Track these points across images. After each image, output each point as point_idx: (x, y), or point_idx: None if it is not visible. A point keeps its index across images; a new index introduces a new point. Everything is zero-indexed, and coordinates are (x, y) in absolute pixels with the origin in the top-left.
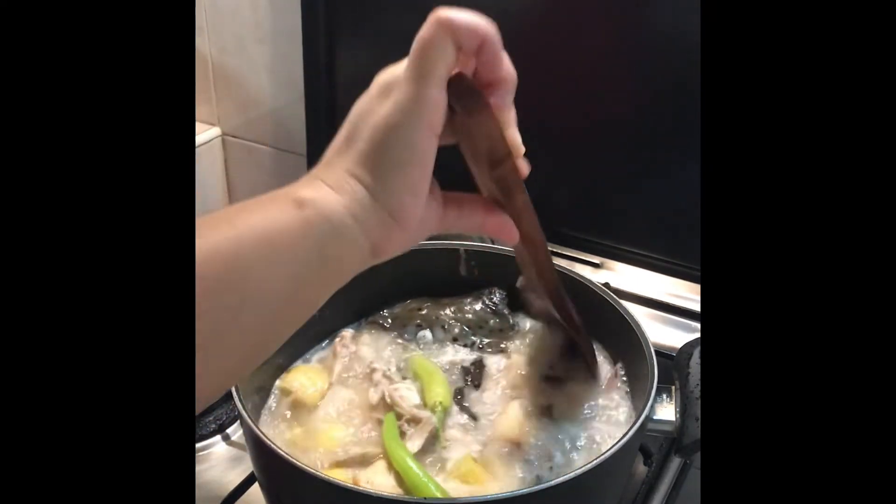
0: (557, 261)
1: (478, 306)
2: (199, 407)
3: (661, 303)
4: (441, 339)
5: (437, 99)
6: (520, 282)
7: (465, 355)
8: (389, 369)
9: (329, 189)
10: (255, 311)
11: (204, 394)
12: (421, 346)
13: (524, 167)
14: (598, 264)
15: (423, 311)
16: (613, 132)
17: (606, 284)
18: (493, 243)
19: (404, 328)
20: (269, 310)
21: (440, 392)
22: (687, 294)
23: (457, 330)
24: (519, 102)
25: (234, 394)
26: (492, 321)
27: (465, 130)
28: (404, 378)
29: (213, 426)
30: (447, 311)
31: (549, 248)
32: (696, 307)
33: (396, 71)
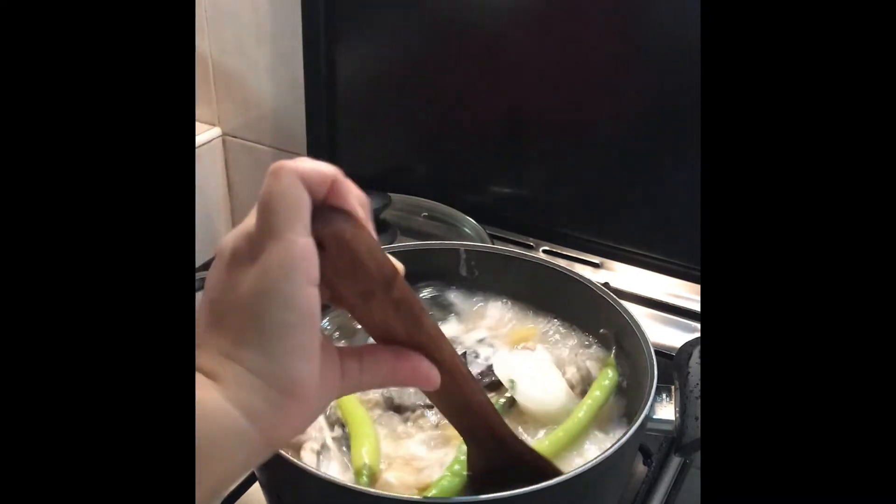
0: (557, 261)
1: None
2: None
3: (660, 303)
4: None
5: (309, 247)
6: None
7: None
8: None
9: (207, 381)
10: None
11: None
12: None
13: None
14: (598, 264)
15: (337, 335)
16: (613, 132)
17: (606, 284)
18: (493, 244)
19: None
20: None
21: (369, 450)
22: (687, 294)
23: None
24: (520, 103)
25: None
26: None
27: (341, 261)
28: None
29: None
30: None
31: (550, 248)
32: (696, 307)
33: (240, 235)
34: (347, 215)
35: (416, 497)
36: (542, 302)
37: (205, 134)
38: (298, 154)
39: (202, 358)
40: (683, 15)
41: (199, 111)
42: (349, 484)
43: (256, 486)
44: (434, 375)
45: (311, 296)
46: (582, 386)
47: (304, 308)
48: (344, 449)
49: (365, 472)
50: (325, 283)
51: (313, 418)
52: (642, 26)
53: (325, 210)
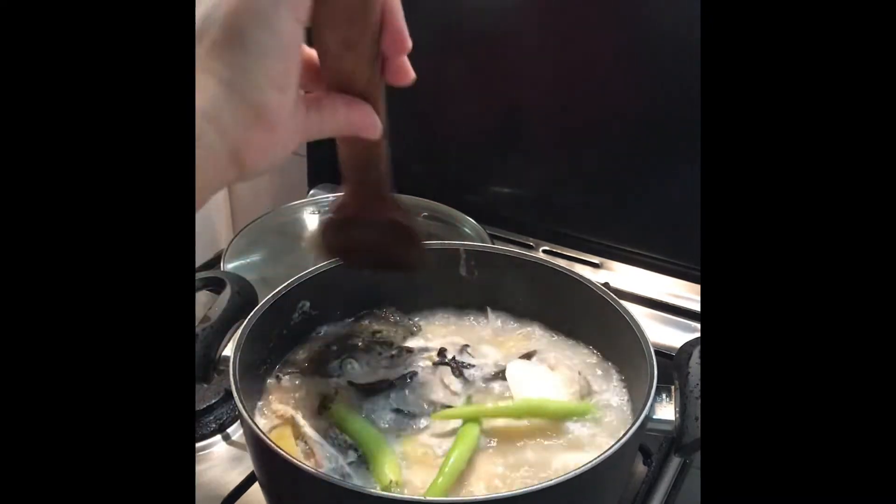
0: (557, 261)
1: (375, 325)
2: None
3: (660, 303)
4: (370, 364)
5: None
6: (342, 204)
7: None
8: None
9: None
10: None
11: None
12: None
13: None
14: (597, 264)
15: (334, 348)
16: (613, 132)
17: (606, 284)
18: (493, 244)
19: (328, 365)
20: None
21: (391, 467)
22: (687, 294)
23: (379, 349)
24: (520, 103)
25: (235, 394)
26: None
27: (342, 5)
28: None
29: (213, 426)
30: (355, 339)
31: (550, 248)
32: (696, 307)
33: None
34: None
35: (417, 497)
36: (543, 302)
37: None
38: (298, 154)
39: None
40: (683, 15)
41: None
42: (349, 484)
43: (256, 486)
44: (378, 125)
45: (294, 29)
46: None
47: (286, 36)
48: (362, 470)
49: (394, 488)
50: (318, 27)
51: (282, 152)
52: (642, 27)
53: None
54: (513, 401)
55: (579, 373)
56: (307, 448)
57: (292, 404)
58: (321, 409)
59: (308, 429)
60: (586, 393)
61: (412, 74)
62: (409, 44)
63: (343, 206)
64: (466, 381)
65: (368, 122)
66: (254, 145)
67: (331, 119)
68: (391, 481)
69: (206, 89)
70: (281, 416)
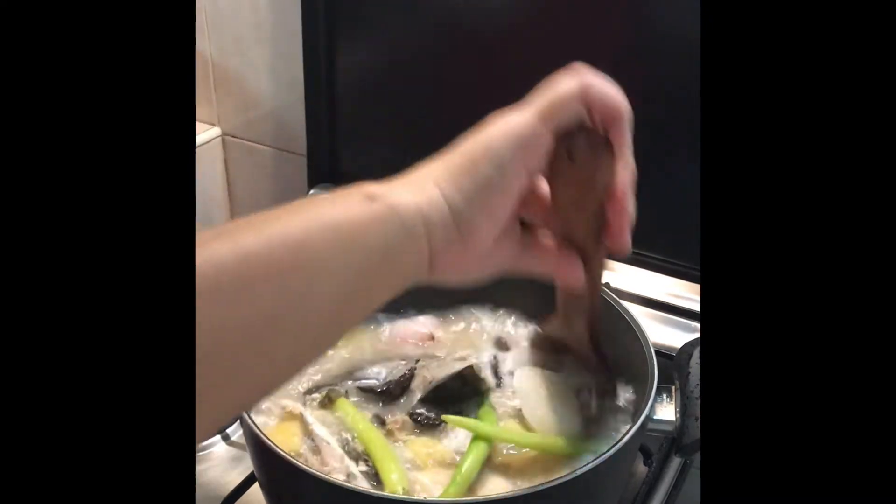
0: None
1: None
2: (256, 401)
3: (661, 303)
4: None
5: (546, 139)
6: (549, 326)
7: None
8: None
9: (405, 189)
10: (321, 297)
11: (265, 386)
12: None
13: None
14: None
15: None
16: None
17: (606, 284)
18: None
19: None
20: (332, 299)
21: (399, 476)
22: (687, 294)
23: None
24: (520, 102)
25: None
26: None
27: (581, 173)
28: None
29: None
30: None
31: None
32: (696, 307)
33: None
34: (609, 145)
35: (417, 498)
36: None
37: (205, 134)
38: (298, 154)
39: (412, 178)
40: (683, 15)
41: (199, 111)
42: (349, 484)
43: (256, 486)
44: (580, 281)
45: (521, 175)
46: (596, 411)
47: (512, 179)
48: (373, 483)
49: (403, 494)
50: (552, 183)
51: (474, 273)
52: (642, 26)
53: (593, 135)
54: (522, 418)
55: (589, 390)
56: (313, 445)
57: (300, 400)
58: (325, 403)
59: (317, 426)
60: (588, 406)
61: (628, 246)
62: (631, 218)
63: (549, 326)
64: (481, 385)
65: (571, 276)
66: (450, 258)
67: (538, 263)
68: (400, 490)
69: (431, 199)
70: (289, 411)
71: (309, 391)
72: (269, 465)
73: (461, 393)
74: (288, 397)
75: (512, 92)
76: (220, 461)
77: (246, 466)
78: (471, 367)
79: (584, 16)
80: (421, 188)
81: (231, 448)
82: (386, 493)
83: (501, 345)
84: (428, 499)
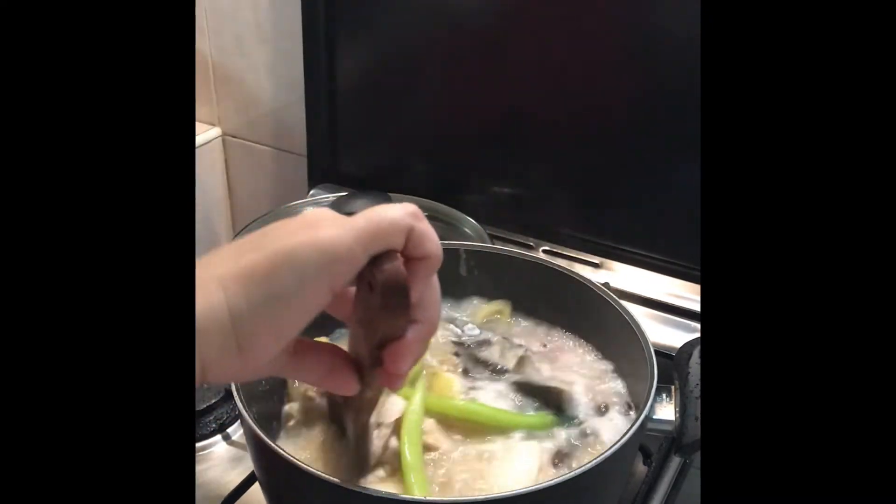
0: (557, 261)
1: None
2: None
3: (660, 303)
4: None
5: (358, 264)
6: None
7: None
8: None
9: (208, 282)
10: None
11: None
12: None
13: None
14: (597, 264)
15: None
16: (613, 132)
17: (606, 284)
18: (493, 244)
19: None
20: None
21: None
22: (687, 294)
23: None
24: (520, 103)
25: (235, 393)
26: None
27: (383, 300)
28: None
29: (213, 426)
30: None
31: (550, 248)
32: (696, 307)
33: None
34: (406, 299)
35: (417, 497)
36: (542, 302)
37: (205, 134)
38: (298, 154)
39: (202, 271)
40: (683, 14)
41: (199, 111)
42: (349, 484)
43: (256, 486)
44: (354, 389)
45: (324, 293)
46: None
47: (310, 293)
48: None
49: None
50: (357, 303)
51: (245, 380)
52: (642, 26)
53: (399, 282)
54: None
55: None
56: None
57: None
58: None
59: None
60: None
61: (397, 387)
62: (408, 368)
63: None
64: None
65: (341, 390)
66: (223, 368)
67: (307, 373)
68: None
69: (212, 303)
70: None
71: None
72: (269, 465)
73: (537, 399)
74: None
75: (511, 92)
76: (220, 461)
77: (246, 466)
78: (561, 391)
79: (585, 16)
80: (201, 289)
81: (231, 448)
82: (386, 493)
83: (600, 409)
84: (428, 498)
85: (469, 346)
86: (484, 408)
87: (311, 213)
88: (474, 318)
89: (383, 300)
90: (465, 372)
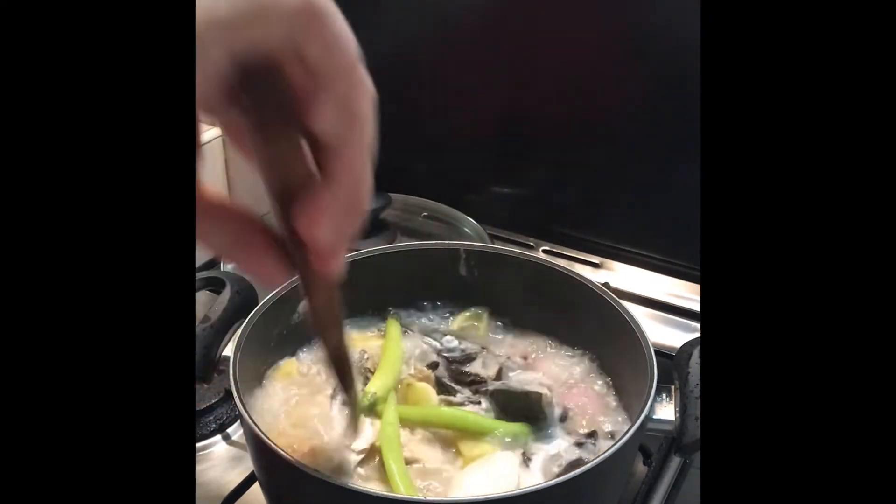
0: (557, 261)
1: None
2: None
3: (660, 303)
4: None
5: (218, 65)
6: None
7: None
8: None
9: None
10: None
11: None
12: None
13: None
14: (597, 264)
15: None
16: (614, 132)
17: (606, 284)
18: (493, 244)
19: None
20: None
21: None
22: (687, 294)
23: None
24: (520, 103)
25: (235, 393)
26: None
27: (257, 149)
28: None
29: (213, 426)
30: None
31: (550, 248)
32: (696, 307)
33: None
34: (284, 105)
35: (417, 497)
36: (542, 302)
37: (205, 134)
38: None
39: None
40: (683, 14)
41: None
42: (349, 484)
43: (256, 486)
44: (275, 273)
45: (221, 60)
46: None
47: (210, 64)
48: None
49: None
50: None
51: None
52: (642, 26)
53: (275, 83)
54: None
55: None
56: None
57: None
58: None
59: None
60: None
61: (335, 272)
62: (338, 244)
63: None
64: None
65: (260, 263)
66: None
67: (206, 233)
68: (372, 393)
69: None
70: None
71: None
72: (269, 465)
73: (516, 407)
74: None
75: (512, 92)
76: (220, 461)
77: (246, 466)
78: (540, 395)
79: (585, 16)
80: None
81: (231, 448)
82: (386, 493)
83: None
84: (428, 498)
85: (452, 360)
86: (467, 414)
87: None
88: (451, 326)
89: (258, 124)
90: (440, 383)
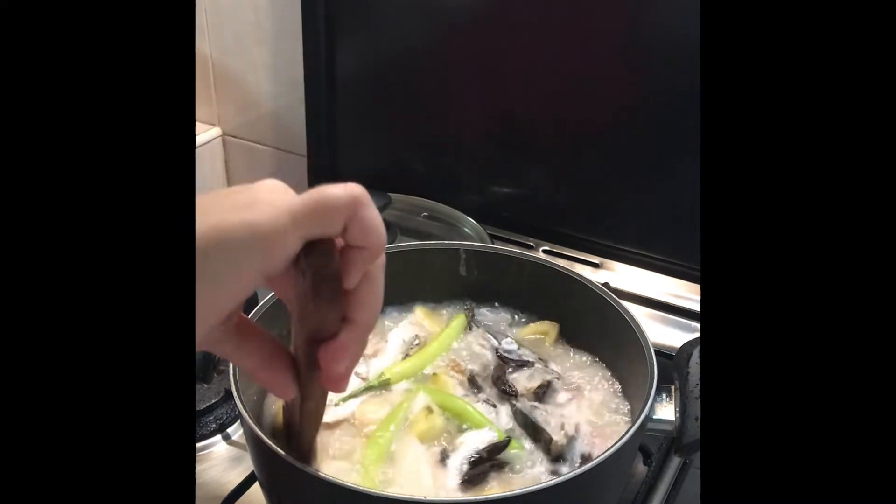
0: (557, 261)
1: None
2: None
3: (660, 303)
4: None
5: (292, 246)
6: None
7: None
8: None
9: None
10: None
11: None
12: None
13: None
14: (597, 264)
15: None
16: (613, 132)
17: (606, 284)
18: (493, 244)
19: None
20: None
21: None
22: (687, 294)
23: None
24: (520, 103)
25: (235, 393)
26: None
27: (302, 300)
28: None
29: (213, 426)
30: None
31: (550, 248)
32: (696, 307)
33: (282, 189)
34: (338, 287)
35: (417, 497)
36: (542, 302)
37: (205, 134)
38: (298, 154)
39: None
40: (683, 14)
41: (199, 111)
42: (349, 484)
43: (256, 486)
44: (288, 395)
45: (251, 276)
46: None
47: (241, 276)
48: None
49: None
50: (294, 291)
51: None
52: (642, 26)
53: (331, 268)
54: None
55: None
56: None
57: None
58: None
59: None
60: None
61: (340, 389)
62: (348, 370)
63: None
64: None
65: (277, 389)
66: None
67: (245, 357)
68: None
69: None
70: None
71: None
72: (269, 465)
73: (531, 434)
74: None
75: (512, 92)
76: (220, 461)
77: (246, 466)
78: (551, 440)
79: (585, 16)
80: None
81: (231, 448)
82: (386, 493)
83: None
84: (428, 498)
85: (505, 360)
86: (466, 405)
87: (253, 188)
88: (518, 333)
89: (312, 288)
90: (473, 382)
